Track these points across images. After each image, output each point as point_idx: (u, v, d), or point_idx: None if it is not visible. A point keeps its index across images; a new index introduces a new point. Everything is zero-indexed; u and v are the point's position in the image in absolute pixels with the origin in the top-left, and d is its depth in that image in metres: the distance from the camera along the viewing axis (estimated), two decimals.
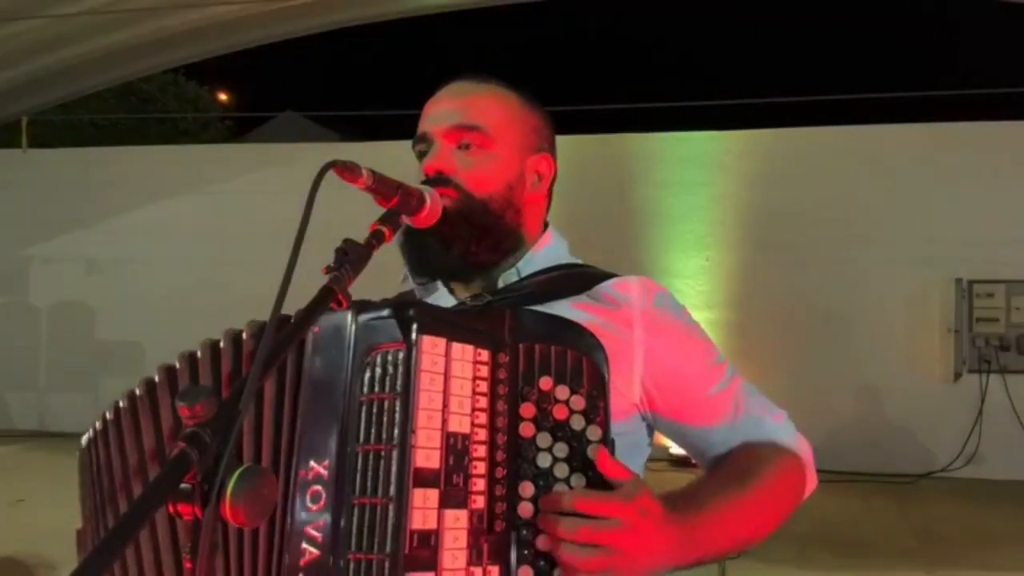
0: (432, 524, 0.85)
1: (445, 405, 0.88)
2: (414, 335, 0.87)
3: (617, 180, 6.79)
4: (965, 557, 4.35)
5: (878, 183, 6.43)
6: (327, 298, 0.85)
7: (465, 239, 1.12)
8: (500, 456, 0.91)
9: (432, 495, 0.85)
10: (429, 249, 1.13)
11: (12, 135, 8.43)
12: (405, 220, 1.04)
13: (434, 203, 1.07)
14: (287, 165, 6.91)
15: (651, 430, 1.16)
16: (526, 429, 0.93)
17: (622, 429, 1.00)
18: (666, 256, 6.74)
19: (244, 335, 1.01)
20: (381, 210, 1.01)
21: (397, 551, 0.82)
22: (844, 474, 5.75)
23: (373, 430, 0.87)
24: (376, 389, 0.88)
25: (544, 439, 0.93)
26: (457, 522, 0.87)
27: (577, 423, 0.94)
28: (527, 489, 0.91)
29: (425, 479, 0.85)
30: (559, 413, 0.94)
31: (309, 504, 0.87)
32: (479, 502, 0.89)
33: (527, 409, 0.94)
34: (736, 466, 1.09)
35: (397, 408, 0.86)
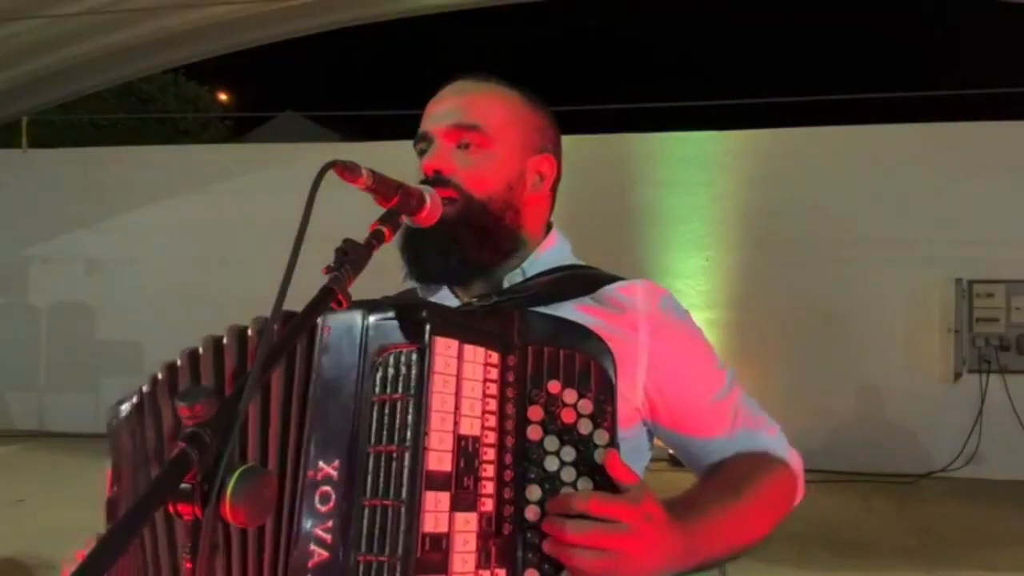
0: (443, 527, 0.85)
1: (457, 407, 0.88)
2: (427, 336, 0.87)
3: (617, 180, 6.79)
4: (965, 557, 4.35)
5: (878, 183, 6.43)
6: (327, 298, 0.85)
7: (463, 244, 1.12)
8: (508, 459, 0.92)
9: (443, 498, 0.85)
10: (427, 257, 1.13)
11: (12, 135, 8.43)
12: (405, 220, 1.04)
13: (434, 203, 1.07)
14: (287, 165, 6.91)
15: (651, 435, 1.17)
16: (534, 432, 0.93)
17: (625, 434, 1.00)
18: (666, 256, 6.74)
19: (249, 332, 1.00)
20: (381, 210, 1.01)
21: (408, 553, 0.82)
22: (844, 474, 5.75)
23: (385, 431, 0.86)
24: (388, 390, 0.88)
25: (552, 442, 0.93)
26: (467, 525, 0.87)
27: (585, 427, 0.94)
28: (534, 492, 0.91)
29: (437, 482, 0.85)
30: (567, 417, 0.94)
31: (318, 505, 0.87)
32: (488, 505, 0.89)
33: (535, 412, 0.94)
34: (732, 475, 1.10)
35: (410, 410, 0.86)
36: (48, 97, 8.14)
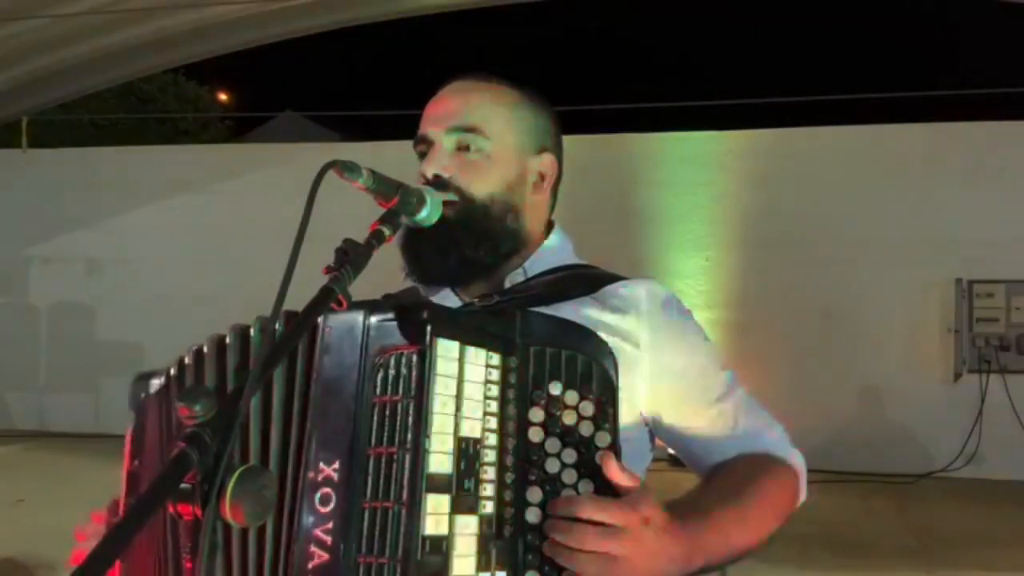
0: (443, 530, 0.84)
1: (458, 409, 0.88)
2: (428, 338, 0.86)
3: (617, 180, 6.78)
4: (965, 557, 4.35)
5: (878, 183, 6.42)
6: (327, 298, 0.85)
7: (463, 244, 1.12)
8: (509, 461, 0.91)
9: (444, 500, 0.85)
10: (427, 258, 1.13)
11: (12, 135, 8.43)
12: (405, 220, 1.04)
13: (434, 204, 1.07)
14: (287, 165, 6.91)
15: (653, 436, 1.16)
16: (535, 434, 0.93)
17: (627, 435, 1.00)
18: (666, 256, 6.74)
19: (251, 331, 1.00)
20: (381, 210, 1.01)
21: (408, 555, 0.82)
22: (844, 474, 5.75)
23: (385, 433, 0.86)
24: (388, 391, 0.87)
25: (553, 444, 0.93)
26: (467, 528, 0.86)
27: (586, 429, 0.93)
28: (535, 494, 0.91)
29: (437, 484, 0.85)
30: (568, 418, 0.94)
31: (318, 506, 0.87)
32: (488, 507, 0.89)
33: (536, 414, 0.93)
34: (735, 476, 1.09)
35: (411, 411, 0.86)
36: (48, 97, 8.13)
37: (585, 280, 1.16)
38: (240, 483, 0.68)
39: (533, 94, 1.23)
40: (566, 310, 1.06)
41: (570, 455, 0.92)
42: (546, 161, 1.21)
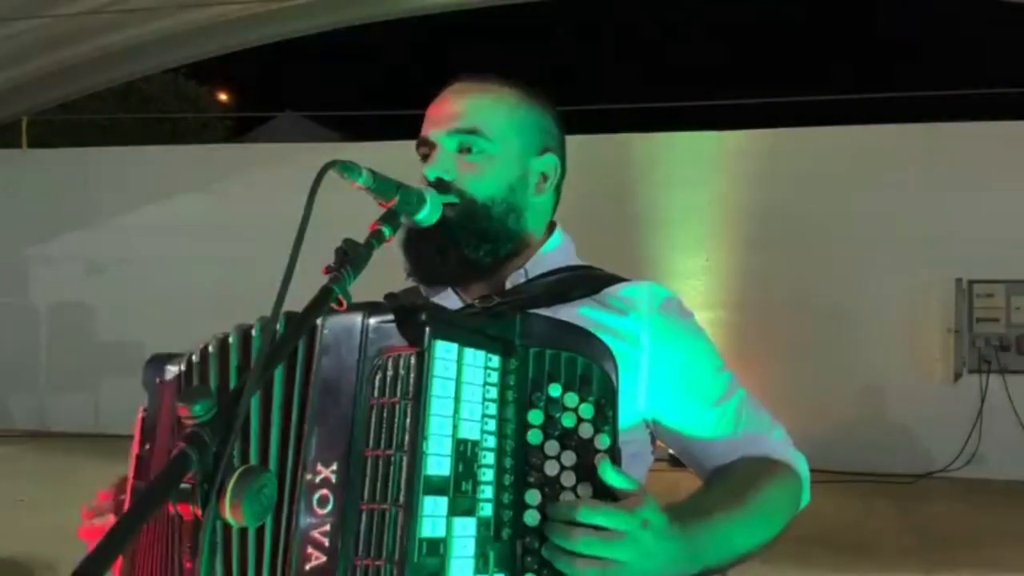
0: (441, 532, 0.84)
1: (456, 411, 0.87)
2: (427, 340, 0.86)
3: (617, 180, 6.78)
4: (965, 557, 4.35)
5: (878, 183, 6.42)
6: (327, 298, 0.85)
7: (462, 245, 1.12)
8: (508, 463, 0.91)
9: (441, 503, 0.85)
10: (426, 259, 1.13)
11: (12, 135, 8.43)
12: (405, 221, 1.04)
13: (434, 204, 1.07)
14: (287, 165, 6.90)
15: (654, 438, 1.16)
16: (534, 436, 0.93)
17: (627, 437, 0.99)
18: (666, 256, 6.73)
19: (253, 332, 1.00)
20: (381, 210, 1.01)
21: (405, 558, 0.82)
22: (844, 474, 5.74)
23: (383, 435, 0.86)
24: (387, 393, 0.87)
25: (552, 447, 0.92)
26: (465, 530, 0.86)
27: (585, 431, 0.93)
28: (533, 497, 0.91)
29: (435, 486, 0.84)
30: (567, 421, 0.93)
31: (316, 508, 0.86)
32: (486, 509, 0.88)
33: (535, 416, 0.93)
34: (737, 479, 1.09)
35: (408, 413, 0.85)
36: (48, 97, 8.14)
37: (586, 281, 1.16)
38: (240, 483, 0.68)
39: (535, 94, 1.22)
40: (567, 311, 1.06)
41: (569, 457, 0.92)
42: (549, 161, 1.21)
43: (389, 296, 1.21)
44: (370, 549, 0.83)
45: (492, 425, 0.91)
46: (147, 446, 1.08)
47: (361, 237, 0.94)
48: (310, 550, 0.86)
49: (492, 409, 0.91)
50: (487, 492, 0.89)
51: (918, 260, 6.31)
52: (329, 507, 0.86)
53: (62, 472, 5.85)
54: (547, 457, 0.92)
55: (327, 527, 0.85)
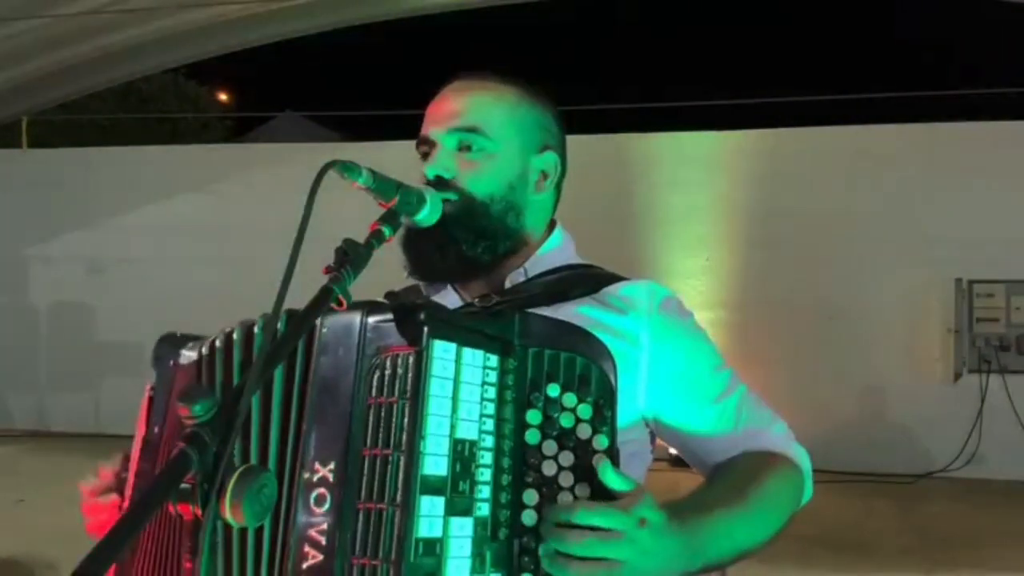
0: (438, 532, 0.84)
1: (454, 411, 0.87)
2: (425, 339, 0.86)
3: (617, 180, 6.78)
4: (965, 557, 4.35)
5: (878, 183, 6.42)
6: (327, 298, 0.85)
7: (460, 243, 1.12)
8: (505, 463, 0.91)
9: (438, 502, 0.85)
10: (426, 257, 1.13)
11: (12, 135, 8.43)
12: (405, 220, 1.04)
13: (434, 203, 1.07)
14: (287, 165, 6.90)
15: (653, 437, 1.16)
16: (532, 436, 0.93)
17: (626, 437, 0.99)
18: (666, 256, 6.73)
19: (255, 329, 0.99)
20: (381, 210, 1.01)
21: (401, 557, 0.82)
22: (844, 474, 5.74)
23: (381, 434, 0.86)
24: (385, 392, 0.87)
25: (550, 447, 0.92)
26: (462, 530, 0.86)
27: (583, 432, 0.93)
28: (531, 497, 0.91)
29: (432, 486, 0.84)
30: (566, 421, 0.93)
31: (313, 507, 0.86)
32: (483, 510, 0.88)
33: (534, 416, 0.93)
34: (738, 476, 1.08)
35: (406, 413, 0.85)
36: (48, 97, 8.14)
37: (586, 280, 1.16)
38: (240, 483, 0.68)
39: (535, 92, 1.22)
40: (566, 310, 1.06)
41: (567, 458, 0.92)
42: (548, 159, 1.21)
43: (389, 294, 1.21)
44: (367, 548, 0.83)
45: (490, 425, 0.91)
46: (155, 429, 1.07)
47: (361, 237, 0.94)
48: (307, 549, 0.86)
49: (490, 409, 0.91)
50: (484, 492, 0.89)
51: (918, 260, 6.31)
52: (326, 506, 0.86)
53: (62, 472, 5.82)
54: (545, 457, 0.92)
55: (324, 526, 0.85)
